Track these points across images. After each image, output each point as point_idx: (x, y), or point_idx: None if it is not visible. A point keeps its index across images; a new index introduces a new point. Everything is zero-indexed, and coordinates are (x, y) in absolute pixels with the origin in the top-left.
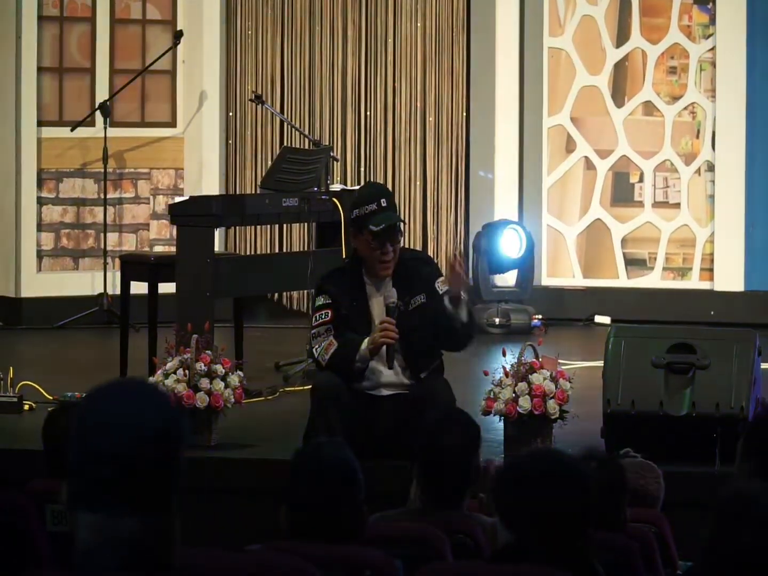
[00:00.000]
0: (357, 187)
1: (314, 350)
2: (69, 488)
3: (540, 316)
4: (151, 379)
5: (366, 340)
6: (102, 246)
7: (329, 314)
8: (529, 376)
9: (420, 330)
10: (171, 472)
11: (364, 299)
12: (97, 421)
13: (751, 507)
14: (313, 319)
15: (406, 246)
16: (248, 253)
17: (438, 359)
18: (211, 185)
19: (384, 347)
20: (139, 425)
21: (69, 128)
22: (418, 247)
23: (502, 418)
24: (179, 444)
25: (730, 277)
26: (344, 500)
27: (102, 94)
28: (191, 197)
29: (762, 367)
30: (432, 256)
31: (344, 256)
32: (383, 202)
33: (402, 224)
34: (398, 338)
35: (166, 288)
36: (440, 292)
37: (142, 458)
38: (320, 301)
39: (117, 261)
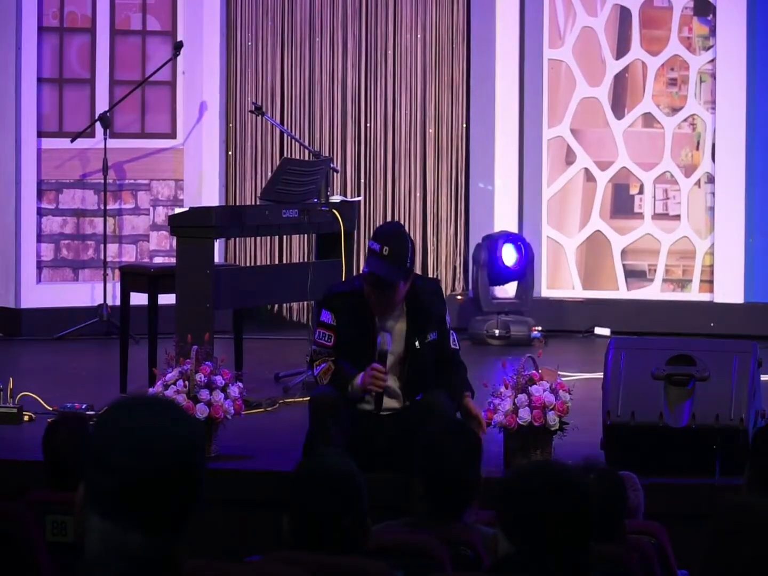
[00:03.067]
0: (357, 199)
1: (314, 366)
2: (84, 490)
3: (540, 328)
4: (150, 390)
5: (360, 376)
6: (102, 257)
7: (332, 338)
8: (529, 387)
9: (426, 365)
10: (186, 498)
11: (371, 329)
12: (118, 433)
13: (751, 519)
14: (316, 333)
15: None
16: (248, 264)
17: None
18: (210, 196)
19: (373, 393)
20: (160, 446)
21: (69, 139)
22: (417, 260)
23: (502, 429)
24: (198, 471)
25: (730, 288)
26: (347, 511)
27: (102, 105)
28: (191, 208)
29: (762, 378)
30: (432, 267)
31: (343, 267)
32: (385, 251)
33: (403, 282)
34: (386, 385)
35: (166, 299)
36: (448, 327)
37: (156, 477)
38: (326, 318)
39: (117, 272)
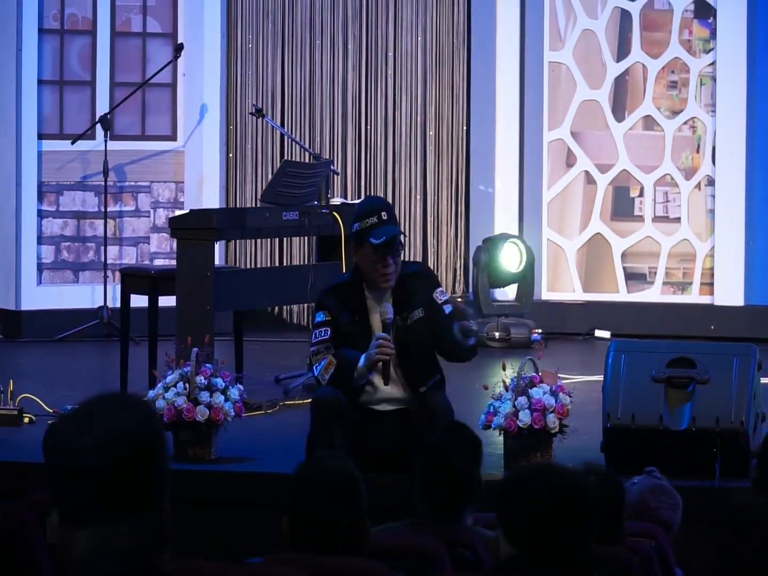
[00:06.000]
0: (357, 201)
1: (314, 368)
2: (56, 510)
3: (540, 330)
4: (150, 392)
5: (363, 356)
6: (102, 259)
7: (328, 332)
8: (529, 390)
9: (418, 345)
10: (153, 478)
11: (365, 314)
12: (67, 439)
13: (754, 522)
14: (313, 335)
15: (406, 258)
16: (248, 266)
17: (438, 374)
18: (211, 198)
19: (380, 363)
20: (110, 437)
21: (69, 141)
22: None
23: (502, 432)
24: (157, 448)
25: (730, 291)
26: (346, 513)
27: (102, 107)
28: (191, 210)
29: (762, 381)
30: (432, 269)
31: (344, 270)
32: (384, 215)
33: (403, 237)
34: (394, 354)
35: (167, 301)
36: (439, 302)
37: (118, 468)
38: (320, 317)
39: (117, 274)
